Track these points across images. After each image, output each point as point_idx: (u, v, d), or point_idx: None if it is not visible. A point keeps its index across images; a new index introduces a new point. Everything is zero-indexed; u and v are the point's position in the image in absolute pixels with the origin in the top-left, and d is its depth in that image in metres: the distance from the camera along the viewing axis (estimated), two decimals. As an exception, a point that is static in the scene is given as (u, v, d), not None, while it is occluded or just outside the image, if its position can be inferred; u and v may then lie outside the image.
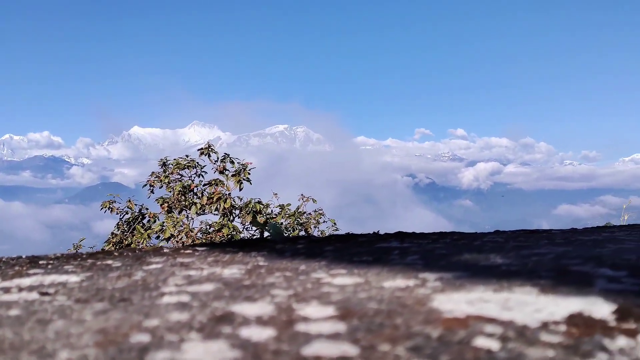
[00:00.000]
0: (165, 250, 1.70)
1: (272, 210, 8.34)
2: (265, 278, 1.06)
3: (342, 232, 8.26)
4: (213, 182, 7.79)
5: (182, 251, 1.70)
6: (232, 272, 1.17)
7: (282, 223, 8.02)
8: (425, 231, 2.25)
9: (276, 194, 8.82)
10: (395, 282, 0.97)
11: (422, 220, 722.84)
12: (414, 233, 2.22)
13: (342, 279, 1.03)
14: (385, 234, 2.14)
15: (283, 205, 8.51)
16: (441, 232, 2.27)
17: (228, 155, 8.05)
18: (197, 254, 1.62)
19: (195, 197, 7.75)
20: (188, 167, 8.20)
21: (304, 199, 8.75)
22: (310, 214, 8.21)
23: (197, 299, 0.87)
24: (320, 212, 8.28)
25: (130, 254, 1.65)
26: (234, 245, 1.83)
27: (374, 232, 2.28)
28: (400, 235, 2.11)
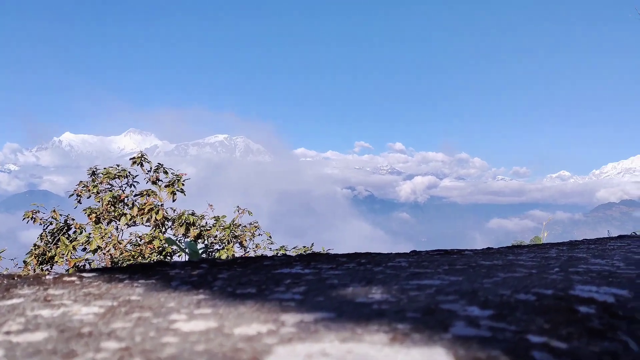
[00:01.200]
0: (45, 278, 1.48)
1: (206, 222, 8.16)
2: (116, 321, 0.98)
3: (277, 245, 8.17)
4: (145, 193, 7.55)
5: (64, 279, 1.54)
6: (89, 311, 1.09)
7: (216, 236, 7.85)
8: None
9: (211, 205, 8.63)
10: (249, 328, 0.90)
11: (360, 232, 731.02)
12: (327, 254, 2.21)
13: (197, 323, 0.95)
14: (296, 255, 2.11)
15: (218, 217, 8.34)
16: (355, 254, 2.26)
17: (161, 165, 7.83)
18: (77, 283, 1.49)
19: (125, 207, 7.47)
20: (119, 176, 7.91)
21: (240, 211, 8.61)
22: (245, 226, 8.07)
23: (10, 356, 0.77)
24: (256, 224, 8.14)
25: (5, 281, 1.47)
26: (125, 271, 1.69)
27: (284, 255, 2.22)
28: (309, 258, 2.07)
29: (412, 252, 2.39)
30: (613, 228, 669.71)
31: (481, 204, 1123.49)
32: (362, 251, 2.19)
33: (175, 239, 7.68)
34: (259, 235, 8.02)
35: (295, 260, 2.02)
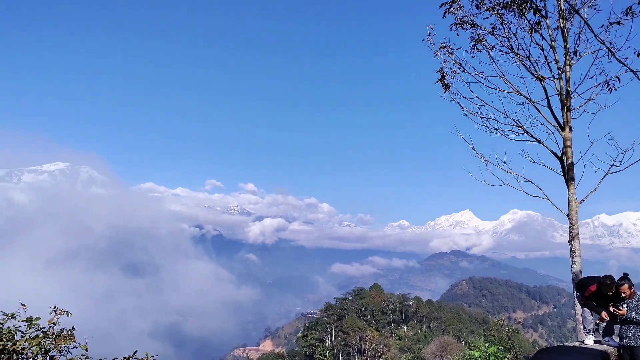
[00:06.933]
0: None
1: (14, 328, 7.42)
2: None
3: (95, 356, 7.71)
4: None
5: None
6: None
7: (23, 349, 7.18)
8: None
9: (24, 304, 7.97)
10: None
11: (205, 271, 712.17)
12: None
13: None
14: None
15: (31, 318, 7.70)
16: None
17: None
18: None
19: None
20: None
21: (58, 312, 8.07)
22: (59, 335, 7.48)
23: None
24: (70, 335, 7.55)
25: None
26: None
27: None
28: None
29: None
30: (443, 276, 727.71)
31: (326, 248, 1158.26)
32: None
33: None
34: (75, 348, 7.50)
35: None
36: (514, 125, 11.89)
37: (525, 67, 11.65)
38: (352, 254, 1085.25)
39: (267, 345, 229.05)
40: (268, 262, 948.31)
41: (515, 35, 11.65)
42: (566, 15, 11.29)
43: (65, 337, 7.50)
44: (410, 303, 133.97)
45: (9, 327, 7.20)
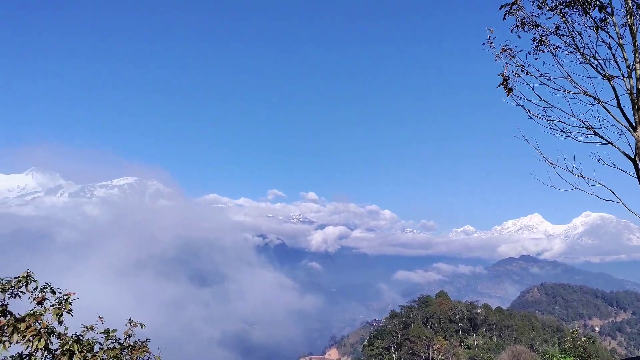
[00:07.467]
0: None
1: (93, 340, 7.82)
2: None
3: (168, 366, 8.03)
4: (28, 318, 7.22)
5: None
6: None
7: (102, 360, 7.55)
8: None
9: (101, 317, 8.38)
10: None
11: (269, 280, 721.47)
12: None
13: None
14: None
15: (109, 330, 8.08)
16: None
17: (49, 285, 7.57)
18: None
19: (4, 334, 7.09)
20: (2, 290, 7.55)
21: (132, 324, 8.42)
22: (134, 347, 7.82)
23: None
24: (144, 346, 7.89)
25: None
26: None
27: None
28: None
29: None
30: (513, 282, 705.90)
31: (389, 255, 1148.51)
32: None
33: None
34: (149, 359, 7.82)
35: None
36: (583, 126, 11.43)
37: (592, 67, 11.21)
38: (415, 260, 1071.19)
39: (332, 354, 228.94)
40: (331, 270, 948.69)
41: (580, 34, 11.23)
42: (634, 11, 10.79)
43: (140, 348, 7.85)
44: (479, 311, 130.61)
45: (88, 339, 7.57)
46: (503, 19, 11.58)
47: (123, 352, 7.73)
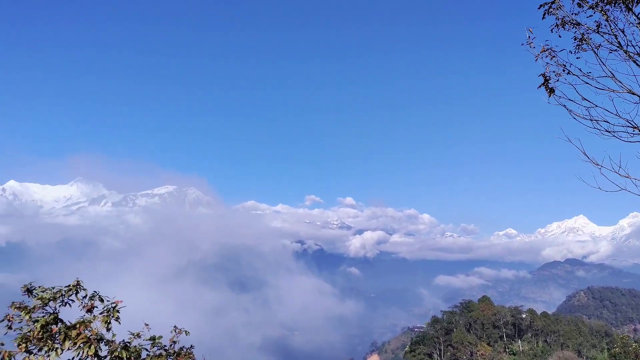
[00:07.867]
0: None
1: (140, 346, 8.01)
2: None
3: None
4: (78, 325, 7.47)
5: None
6: None
7: (151, 366, 7.72)
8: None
9: (147, 324, 8.58)
10: None
11: (308, 286, 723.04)
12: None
13: None
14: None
15: (154, 337, 8.26)
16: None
17: (97, 293, 7.80)
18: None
19: (56, 341, 7.35)
20: (53, 299, 7.82)
21: (177, 331, 8.58)
22: (179, 354, 7.98)
23: None
24: (189, 352, 8.06)
25: None
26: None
27: None
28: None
29: None
30: (558, 286, 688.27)
31: (429, 260, 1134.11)
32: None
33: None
34: (194, 366, 7.96)
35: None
36: (628, 126, 11.12)
37: (637, 64, 10.90)
38: (456, 265, 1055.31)
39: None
40: (370, 276, 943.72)
41: (623, 32, 10.94)
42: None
43: (185, 355, 8.01)
44: (524, 316, 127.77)
45: (135, 346, 7.76)
46: (542, 18, 11.40)
47: (169, 359, 7.89)
